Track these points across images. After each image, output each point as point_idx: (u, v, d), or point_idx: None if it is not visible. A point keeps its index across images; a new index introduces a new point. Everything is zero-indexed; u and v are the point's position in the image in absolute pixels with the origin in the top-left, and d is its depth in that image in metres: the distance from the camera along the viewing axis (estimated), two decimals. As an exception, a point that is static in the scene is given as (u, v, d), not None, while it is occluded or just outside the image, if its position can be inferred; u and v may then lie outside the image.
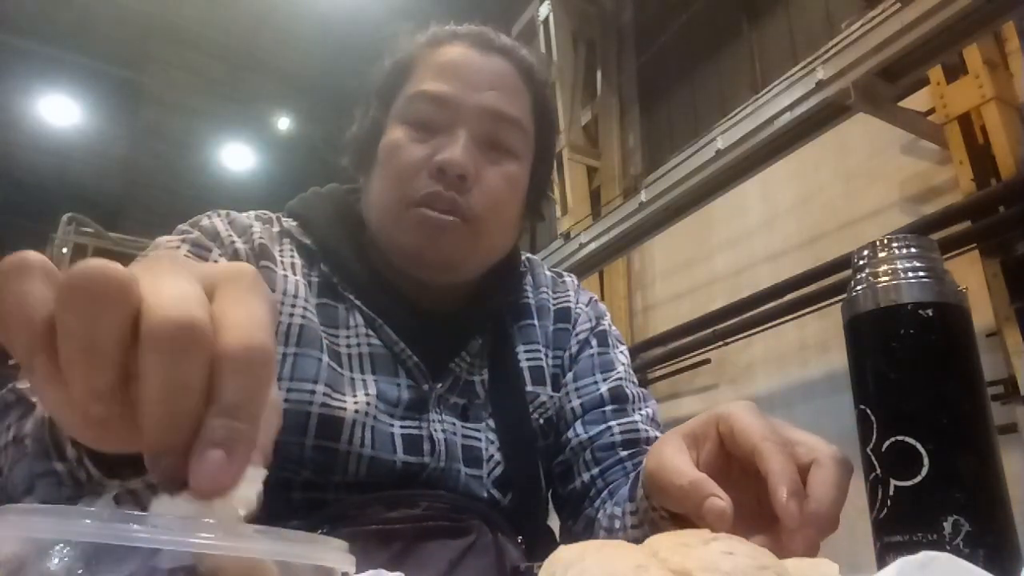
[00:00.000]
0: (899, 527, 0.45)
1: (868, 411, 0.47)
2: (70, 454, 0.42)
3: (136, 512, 0.25)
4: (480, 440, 0.83)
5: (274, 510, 0.72)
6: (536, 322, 0.93)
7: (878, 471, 0.46)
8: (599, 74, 5.26)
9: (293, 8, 6.46)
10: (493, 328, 0.89)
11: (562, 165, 4.80)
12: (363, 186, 0.89)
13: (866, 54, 2.74)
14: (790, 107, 3.03)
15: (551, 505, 0.92)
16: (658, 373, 4.13)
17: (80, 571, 0.24)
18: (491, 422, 0.85)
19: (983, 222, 2.69)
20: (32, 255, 0.30)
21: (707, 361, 3.89)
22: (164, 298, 0.29)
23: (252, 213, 0.87)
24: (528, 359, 0.90)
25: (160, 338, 0.28)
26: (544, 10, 5.10)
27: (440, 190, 0.78)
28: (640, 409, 0.89)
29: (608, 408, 0.88)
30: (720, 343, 3.72)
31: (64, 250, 5.87)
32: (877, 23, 2.73)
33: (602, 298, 3.00)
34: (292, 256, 0.84)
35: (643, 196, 3.80)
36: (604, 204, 4.72)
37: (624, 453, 0.84)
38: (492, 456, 0.83)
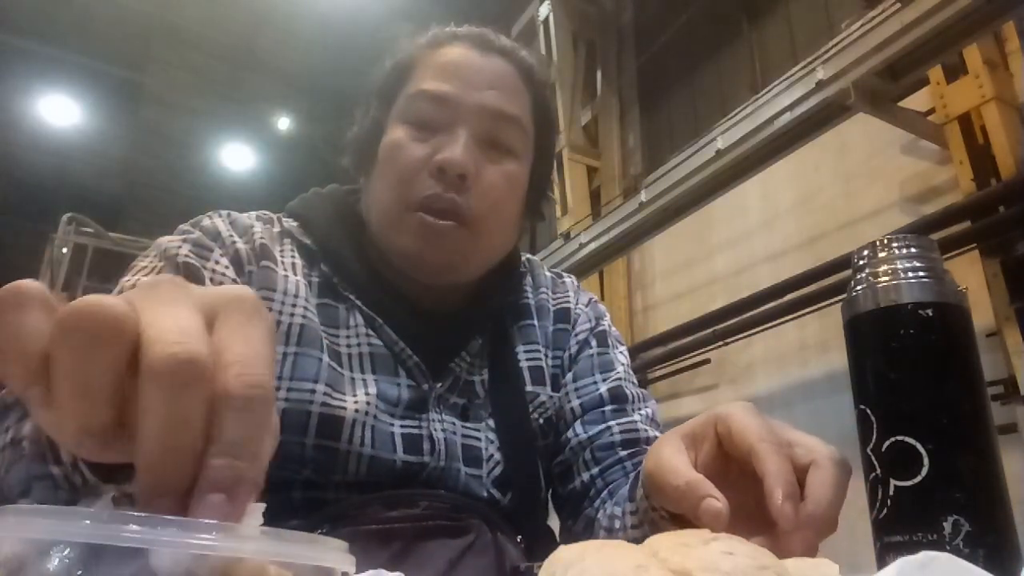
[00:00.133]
0: (899, 527, 0.45)
1: (868, 411, 0.47)
2: (65, 458, 0.42)
3: (135, 513, 0.25)
4: (480, 440, 0.83)
5: (274, 510, 0.72)
6: (536, 322, 0.93)
7: (878, 471, 0.46)
8: (599, 74, 5.26)
9: (293, 8, 6.46)
10: (493, 328, 0.89)
11: (562, 165, 4.80)
12: (363, 186, 0.89)
13: (866, 54, 2.74)
14: (790, 107, 3.03)
15: (551, 505, 0.92)
16: (658, 373, 4.13)
17: (79, 572, 0.24)
18: (491, 422, 0.85)
19: (983, 222, 2.69)
20: (30, 284, 0.30)
21: (707, 361, 3.89)
22: (164, 331, 0.29)
23: (253, 213, 0.88)
24: (528, 359, 0.90)
25: (160, 373, 0.28)
26: (544, 10, 5.11)
27: (440, 192, 0.78)
28: (640, 409, 0.89)
29: (608, 408, 0.88)
30: (720, 343, 3.72)
31: (64, 250, 5.87)
32: (877, 23, 2.73)
33: (602, 298, 3.01)
34: (293, 256, 0.84)
35: (643, 196, 3.80)
36: (604, 204, 4.72)
37: (624, 453, 0.84)
38: (492, 456, 0.83)
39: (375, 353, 0.82)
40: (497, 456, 0.84)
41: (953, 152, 2.85)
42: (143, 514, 0.25)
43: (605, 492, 0.83)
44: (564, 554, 0.35)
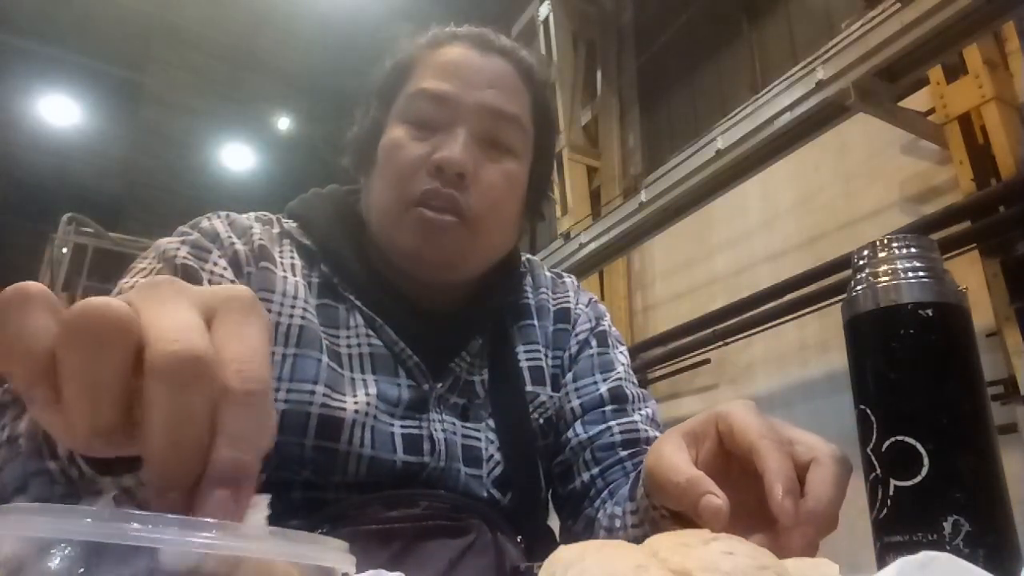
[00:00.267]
0: (899, 527, 0.45)
1: (868, 411, 0.47)
2: (62, 452, 0.43)
3: (137, 511, 0.25)
4: (480, 440, 0.83)
5: (274, 510, 0.72)
6: (536, 322, 0.93)
7: (878, 471, 0.46)
8: (599, 74, 5.26)
9: (293, 8, 6.46)
10: (493, 328, 0.90)
11: (562, 165, 4.80)
12: (363, 186, 0.89)
13: (866, 54, 2.74)
14: (790, 107, 3.03)
15: (551, 505, 0.92)
16: (658, 373, 4.13)
17: (80, 571, 0.24)
18: (491, 422, 0.85)
19: (983, 222, 2.69)
20: (33, 286, 0.30)
21: (707, 361, 3.89)
22: (167, 330, 0.30)
23: (252, 214, 0.88)
24: (528, 359, 0.90)
25: (165, 371, 0.29)
26: (544, 10, 5.11)
27: (438, 187, 0.78)
28: (640, 409, 0.89)
29: (608, 408, 0.88)
30: (720, 343, 3.72)
31: (64, 250, 5.87)
32: (877, 23, 2.73)
33: (602, 298, 3.01)
34: (292, 257, 0.84)
35: (643, 196, 3.80)
36: (604, 204, 4.72)
37: (624, 453, 0.84)
38: (492, 456, 0.83)
39: (375, 353, 0.82)
40: (497, 456, 0.84)
41: (953, 152, 2.85)
42: (144, 512, 0.25)
43: (605, 492, 0.83)
44: (564, 554, 0.35)
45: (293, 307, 0.79)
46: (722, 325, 3.69)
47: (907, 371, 0.46)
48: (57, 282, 5.67)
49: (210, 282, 0.75)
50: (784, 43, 4.02)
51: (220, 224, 0.82)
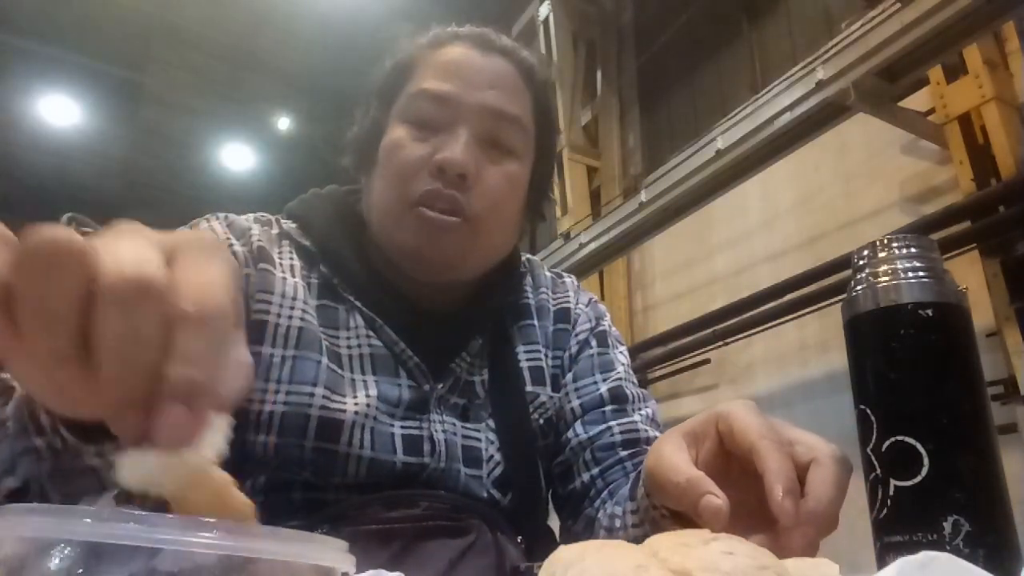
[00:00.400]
0: (899, 527, 0.45)
1: (868, 411, 0.47)
2: (45, 422, 0.44)
3: (135, 512, 0.25)
4: (480, 440, 0.83)
5: (274, 510, 0.72)
6: (536, 322, 0.93)
7: (878, 471, 0.46)
8: (599, 74, 5.26)
9: (293, 8, 6.46)
10: (493, 328, 0.89)
11: (562, 165, 4.80)
12: (364, 186, 0.89)
13: (866, 54, 2.74)
14: (790, 107, 3.03)
15: (551, 505, 0.92)
16: (658, 373, 4.13)
17: (80, 571, 0.24)
18: (491, 422, 0.85)
19: (983, 222, 2.68)
20: None
21: (707, 361, 3.88)
22: (119, 258, 0.30)
23: (251, 215, 0.88)
24: (528, 359, 0.90)
25: (114, 292, 0.29)
26: (544, 10, 5.10)
27: (440, 187, 0.78)
28: (640, 409, 0.89)
29: (608, 408, 0.88)
30: (720, 343, 3.71)
31: (64, 250, 5.87)
32: (877, 23, 2.72)
33: (602, 298, 3.01)
34: (291, 258, 0.84)
35: (643, 196, 3.80)
36: (604, 204, 4.72)
37: (624, 453, 0.84)
38: (492, 456, 0.83)
39: (375, 354, 0.82)
40: (497, 456, 0.83)
41: (953, 152, 2.85)
42: (144, 512, 0.25)
43: (605, 492, 0.83)
44: (564, 554, 0.35)
45: (292, 308, 0.79)
46: (722, 325, 3.69)
47: (907, 371, 0.46)
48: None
49: None
50: (784, 43, 4.02)
51: (218, 226, 0.82)
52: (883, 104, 2.84)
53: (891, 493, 0.45)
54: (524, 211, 0.90)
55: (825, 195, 3.47)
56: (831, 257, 3.11)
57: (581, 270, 4.16)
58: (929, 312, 0.46)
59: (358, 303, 0.83)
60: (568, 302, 0.97)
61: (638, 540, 0.36)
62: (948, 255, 2.60)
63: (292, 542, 0.27)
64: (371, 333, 0.82)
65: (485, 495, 0.81)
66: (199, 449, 0.30)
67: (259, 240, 0.82)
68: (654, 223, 3.85)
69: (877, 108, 2.83)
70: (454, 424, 0.82)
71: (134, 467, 0.30)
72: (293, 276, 0.82)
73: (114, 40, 7.01)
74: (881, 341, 0.47)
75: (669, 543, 0.34)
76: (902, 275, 0.47)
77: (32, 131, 7.75)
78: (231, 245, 0.80)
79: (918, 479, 0.44)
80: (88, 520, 0.24)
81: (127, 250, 0.31)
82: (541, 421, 0.88)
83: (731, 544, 0.34)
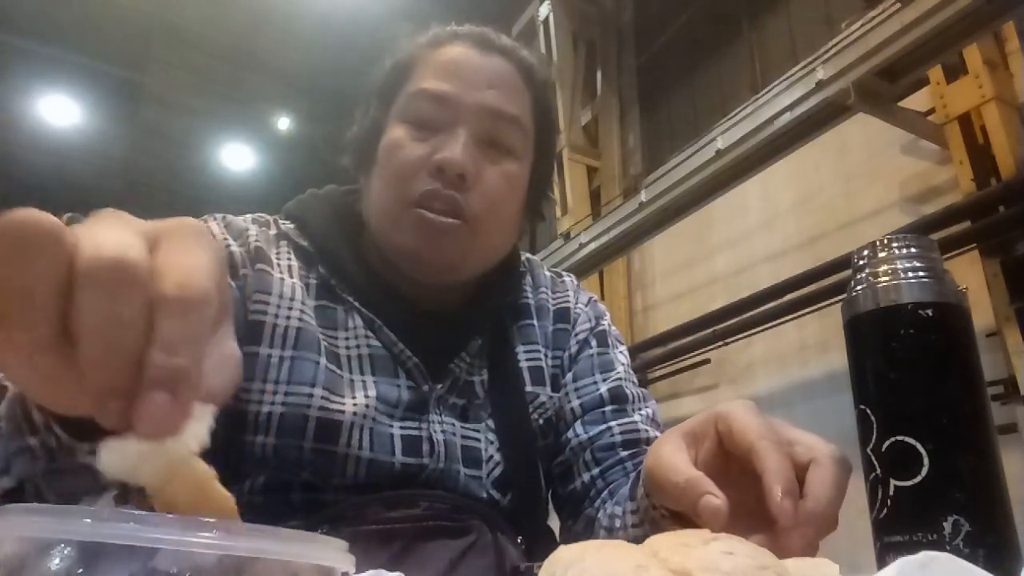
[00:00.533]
0: (899, 527, 0.45)
1: (868, 411, 0.47)
2: (37, 418, 0.43)
3: (135, 512, 0.25)
4: (479, 440, 0.83)
5: (273, 511, 0.72)
6: (535, 322, 0.93)
7: (878, 471, 0.46)
8: (599, 74, 5.26)
9: (293, 8, 6.46)
10: (492, 328, 0.89)
11: (562, 165, 4.80)
12: (363, 186, 0.89)
13: (866, 54, 2.74)
14: (790, 107, 3.03)
15: (551, 505, 0.91)
16: (658, 373, 4.13)
17: (80, 571, 0.24)
18: (490, 422, 0.85)
19: (983, 222, 2.69)
20: None
21: (707, 361, 3.88)
22: (99, 242, 0.29)
23: (249, 216, 0.87)
24: (527, 359, 0.90)
25: (92, 275, 0.28)
26: (544, 10, 5.10)
27: (439, 188, 0.78)
28: (640, 409, 0.89)
29: (608, 408, 0.88)
30: (720, 343, 3.71)
31: (64, 250, 5.87)
32: (877, 23, 2.72)
33: (602, 298, 3.00)
34: (289, 259, 0.84)
35: (643, 196, 3.80)
36: (604, 204, 4.72)
37: (624, 453, 0.84)
38: (492, 456, 0.83)
39: (374, 355, 0.81)
40: (497, 457, 0.83)
41: (953, 152, 2.85)
42: (144, 512, 0.25)
43: (605, 492, 0.83)
44: (564, 554, 0.35)
45: (291, 309, 0.79)
46: (722, 325, 3.69)
47: (907, 371, 0.46)
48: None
49: None
50: (784, 43, 4.02)
51: (216, 227, 0.82)
52: (883, 104, 2.84)
53: (891, 493, 0.45)
54: (523, 211, 0.90)
55: (825, 195, 3.47)
56: (831, 257, 3.11)
57: (581, 270, 4.16)
58: (929, 312, 0.46)
59: (356, 304, 0.83)
60: (568, 302, 0.97)
61: (638, 540, 0.36)
62: (948, 255, 2.60)
63: (292, 542, 0.27)
64: (370, 334, 0.82)
65: (485, 495, 0.81)
66: (182, 439, 0.29)
67: (257, 241, 0.82)
68: (654, 223, 3.85)
69: (877, 108, 2.83)
70: (453, 424, 0.82)
71: (115, 456, 0.29)
72: (291, 277, 0.82)
73: (114, 40, 7.01)
74: (881, 341, 0.47)
75: (669, 543, 0.34)
76: (902, 275, 0.47)
77: (32, 131, 7.75)
78: (228, 246, 0.80)
79: (918, 479, 0.44)
80: (88, 520, 0.24)
81: (107, 234, 0.30)
82: (541, 421, 0.88)
83: (731, 544, 0.34)
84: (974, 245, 2.70)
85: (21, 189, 7.70)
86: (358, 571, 0.33)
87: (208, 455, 0.32)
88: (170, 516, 0.27)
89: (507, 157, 0.84)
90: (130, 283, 0.29)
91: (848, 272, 0.51)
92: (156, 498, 0.29)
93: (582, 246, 4.19)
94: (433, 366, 0.83)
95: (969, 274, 2.64)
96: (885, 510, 0.45)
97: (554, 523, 0.89)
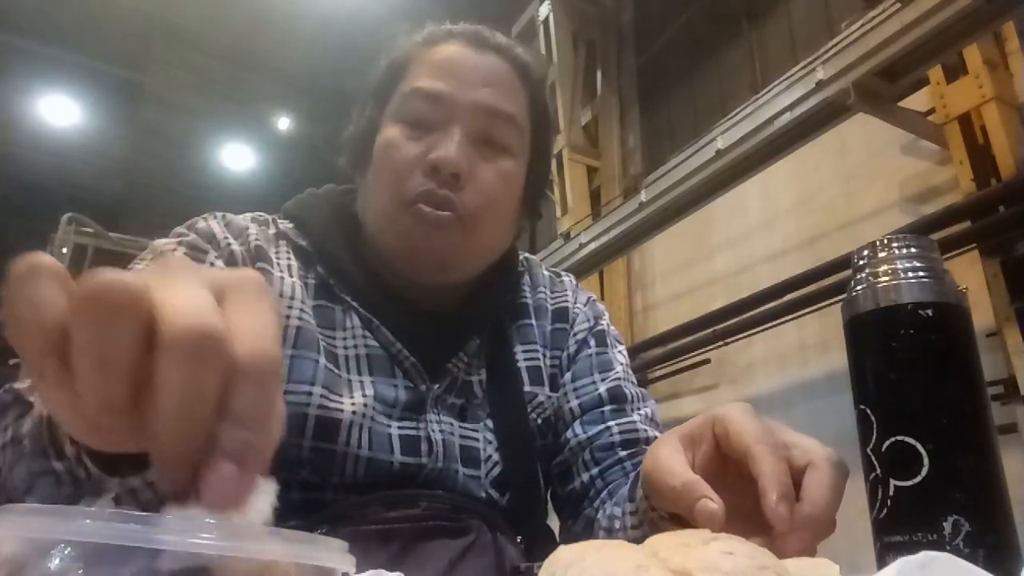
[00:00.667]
0: (899, 527, 0.45)
1: (868, 411, 0.47)
2: (69, 452, 0.42)
3: (136, 512, 0.25)
4: (478, 440, 0.83)
5: (273, 510, 0.72)
6: (534, 322, 0.93)
7: (878, 471, 0.46)
8: (599, 74, 5.26)
9: (293, 8, 6.46)
10: (491, 328, 0.89)
11: (562, 165, 4.80)
12: (359, 186, 0.89)
13: (866, 54, 2.74)
14: (790, 107, 3.03)
15: (551, 505, 0.91)
16: (658, 373, 4.13)
17: (80, 571, 0.24)
18: (489, 422, 0.85)
19: (983, 222, 2.69)
20: (45, 258, 0.30)
21: (707, 361, 3.89)
22: (180, 306, 0.29)
23: (248, 215, 0.87)
24: (526, 359, 0.90)
25: (180, 347, 0.28)
26: (544, 10, 5.11)
27: (434, 188, 0.78)
28: (639, 409, 0.89)
29: (607, 408, 0.88)
30: (720, 343, 3.72)
31: (64, 250, 5.87)
32: (877, 23, 2.73)
33: (602, 298, 3.00)
34: (288, 258, 0.84)
35: (643, 196, 3.80)
36: (604, 204, 4.72)
37: (623, 453, 0.84)
38: (490, 456, 0.83)
39: (372, 354, 0.81)
40: (495, 456, 0.83)
41: (953, 152, 2.85)
42: (144, 513, 0.25)
43: (605, 492, 0.83)
44: (564, 554, 0.35)
45: (290, 308, 0.79)
46: (722, 325, 3.69)
47: (907, 371, 0.46)
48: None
49: None
50: (784, 43, 4.02)
51: (216, 225, 0.82)
52: (883, 104, 2.84)
53: (891, 493, 0.45)
54: (520, 209, 0.90)
55: (825, 195, 3.47)
56: (831, 257, 3.11)
57: (581, 270, 4.17)
58: (929, 312, 0.46)
59: (355, 303, 0.83)
60: (566, 301, 0.96)
61: (638, 541, 0.36)
62: (948, 255, 2.60)
63: (292, 542, 0.27)
64: (368, 333, 0.82)
65: (483, 495, 0.81)
66: (246, 513, 0.29)
67: (257, 239, 0.82)
68: (654, 223, 3.85)
69: (877, 108, 2.83)
70: (451, 424, 0.82)
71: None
72: (290, 276, 0.82)
73: (114, 40, 7.01)
74: (881, 341, 0.47)
75: (669, 543, 0.34)
76: (902, 275, 0.47)
77: (32, 131, 7.75)
78: (229, 244, 0.80)
79: (918, 479, 0.44)
80: (88, 520, 0.24)
81: (184, 296, 0.30)
82: (539, 421, 0.88)
83: (731, 544, 0.34)
84: (974, 245, 2.70)
85: (21, 189, 7.71)
86: (358, 571, 0.33)
87: None
88: (170, 516, 0.27)
89: (502, 155, 0.83)
90: (212, 355, 0.29)
91: (848, 272, 0.51)
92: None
93: (582, 246, 4.20)
94: (431, 366, 0.83)
95: (969, 274, 2.64)
96: (885, 510, 0.45)
97: (554, 523, 0.89)
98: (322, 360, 0.78)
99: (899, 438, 0.45)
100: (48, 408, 0.32)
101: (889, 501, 0.45)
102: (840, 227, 3.33)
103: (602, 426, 0.86)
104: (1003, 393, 2.49)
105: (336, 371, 0.79)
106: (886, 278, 0.48)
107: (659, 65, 5.00)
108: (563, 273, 1.02)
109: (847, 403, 0.50)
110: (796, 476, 0.51)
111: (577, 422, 0.88)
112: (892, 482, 0.45)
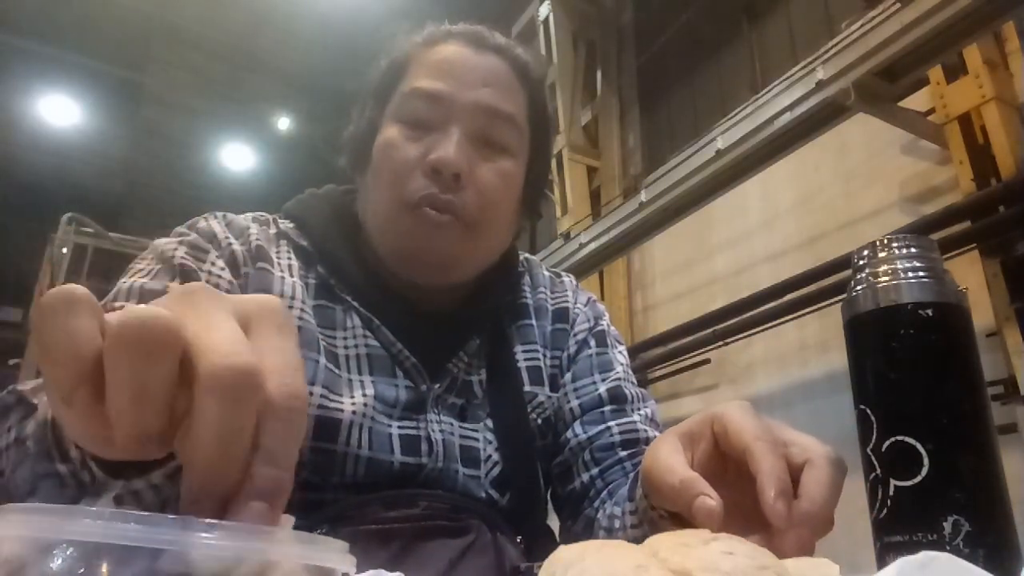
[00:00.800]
0: (899, 527, 0.45)
1: (868, 411, 0.47)
2: (74, 455, 0.42)
3: (137, 512, 0.25)
4: (478, 440, 0.83)
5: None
6: (534, 322, 0.93)
7: (878, 471, 0.46)
8: (599, 74, 5.26)
9: (293, 8, 6.46)
10: (491, 328, 0.89)
11: (562, 165, 4.81)
12: (359, 186, 0.89)
13: (866, 54, 2.74)
14: (790, 107, 3.03)
15: (551, 505, 0.91)
16: (658, 373, 4.13)
17: (81, 571, 0.24)
18: (489, 422, 0.85)
19: (983, 222, 2.69)
20: (78, 289, 0.31)
21: (707, 361, 3.89)
22: (217, 344, 0.30)
23: (249, 215, 0.87)
24: (526, 359, 0.90)
25: (220, 386, 0.29)
26: (544, 10, 5.11)
27: (436, 193, 0.78)
28: (639, 409, 0.89)
29: (607, 408, 0.88)
30: (720, 343, 3.72)
31: (64, 250, 5.87)
32: (877, 23, 2.73)
33: (602, 298, 3.01)
34: (289, 258, 0.84)
35: (643, 196, 3.80)
36: (604, 204, 4.73)
37: (623, 453, 0.84)
38: (490, 456, 0.83)
39: (372, 354, 0.81)
40: (495, 456, 0.83)
41: (953, 152, 2.86)
42: (144, 513, 0.25)
43: (605, 492, 0.83)
44: (564, 554, 0.35)
45: (291, 308, 0.79)
46: (722, 325, 3.69)
47: (907, 371, 0.46)
48: (57, 282, 5.65)
49: (208, 282, 0.75)
50: (784, 43, 4.02)
51: (217, 225, 0.82)
52: (883, 104, 2.85)
53: (891, 493, 0.45)
54: (520, 209, 0.90)
55: (825, 195, 3.48)
56: (831, 257, 3.11)
57: (581, 270, 4.17)
58: (929, 312, 0.46)
59: (355, 303, 0.83)
60: (566, 301, 0.96)
61: (637, 540, 0.36)
62: (948, 255, 2.60)
63: (292, 542, 0.27)
64: (368, 333, 0.82)
65: (483, 495, 0.81)
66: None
67: (257, 239, 0.82)
68: (654, 223, 3.85)
69: (877, 108, 2.83)
70: (452, 424, 0.82)
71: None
72: (291, 276, 0.82)
73: (114, 40, 7.02)
74: (881, 341, 0.47)
75: (669, 543, 0.34)
76: (902, 275, 0.47)
77: (32, 131, 7.76)
78: (230, 244, 0.80)
79: (918, 479, 0.44)
80: (89, 520, 0.24)
81: (219, 333, 0.31)
82: (539, 421, 0.88)
83: (731, 544, 0.34)
84: (974, 245, 2.70)
85: (21, 189, 7.71)
86: (358, 571, 0.33)
87: None
88: (171, 516, 0.27)
89: (502, 155, 0.83)
90: (250, 393, 0.30)
91: (848, 272, 0.51)
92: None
93: (582, 246, 4.20)
94: (431, 366, 0.83)
95: (969, 274, 2.64)
96: (885, 510, 0.45)
97: (554, 523, 0.89)
98: (322, 360, 0.78)
99: (899, 438, 0.45)
100: (74, 435, 0.33)
101: (889, 501, 0.45)
102: (840, 227, 3.33)
103: (602, 426, 0.86)
104: (1003, 393, 2.50)
105: (336, 371, 0.79)
106: (886, 278, 0.48)
107: (659, 65, 5.00)
108: (563, 273, 1.02)
109: (847, 403, 0.50)
110: (795, 474, 0.51)
111: (577, 422, 0.88)
112: (892, 482, 0.45)
